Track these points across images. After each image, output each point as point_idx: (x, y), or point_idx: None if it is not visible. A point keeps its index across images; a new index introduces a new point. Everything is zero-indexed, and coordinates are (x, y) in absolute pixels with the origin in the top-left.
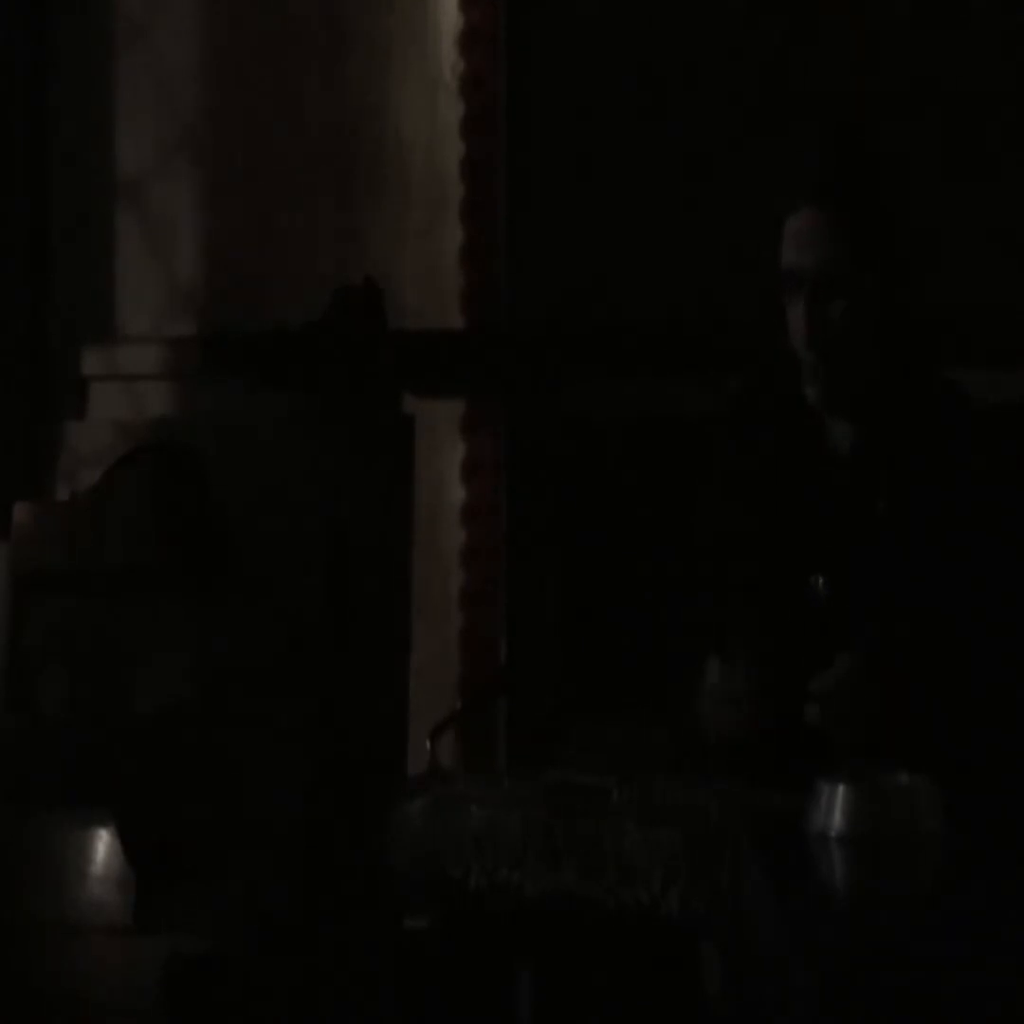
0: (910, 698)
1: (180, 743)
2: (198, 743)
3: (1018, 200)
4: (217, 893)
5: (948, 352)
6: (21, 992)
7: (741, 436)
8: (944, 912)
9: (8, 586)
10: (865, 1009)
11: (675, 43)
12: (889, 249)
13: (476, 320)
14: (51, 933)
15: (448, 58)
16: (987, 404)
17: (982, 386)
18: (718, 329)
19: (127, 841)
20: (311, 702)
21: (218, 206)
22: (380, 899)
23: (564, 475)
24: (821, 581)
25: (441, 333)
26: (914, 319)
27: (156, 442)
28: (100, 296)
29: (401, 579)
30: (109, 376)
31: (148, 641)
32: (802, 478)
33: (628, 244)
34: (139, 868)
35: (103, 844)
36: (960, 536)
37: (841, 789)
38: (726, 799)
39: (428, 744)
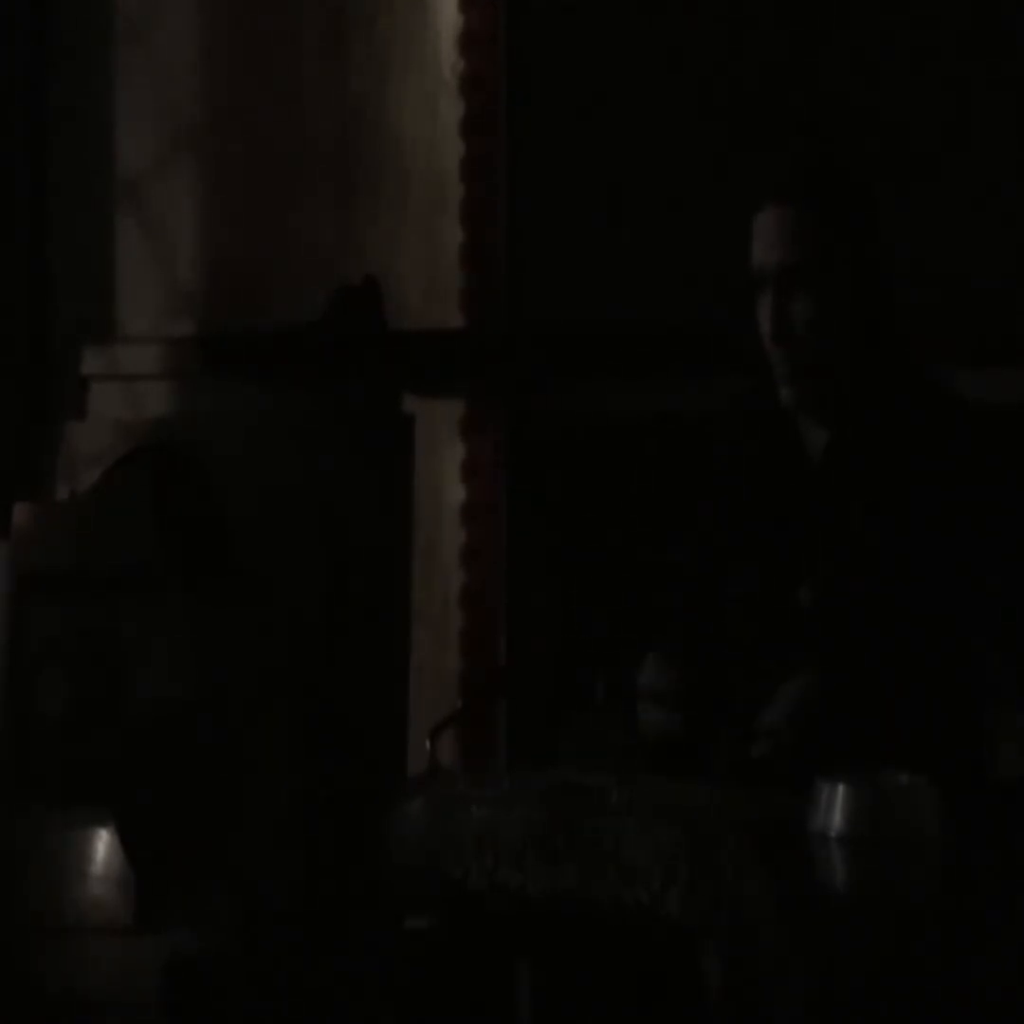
0: (881, 703)
1: (180, 742)
2: (198, 743)
3: (1018, 197)
4: (217, 893)
5: (945, 351)
6: (21, 992)
7: (722, 448)
8: (943, 912)
9: (8, 586)
10: (864, 1009)
11: (675, 43)
12: (855, 246)
13: (476, 320)
14: (51, 933)
15: (448, 58)
16: (980, 403)
17: (981, 386)
18: (718, 329)
19: (127, 841)
20: (310, 702)
21: (218, 206)
22: (380, 899)
23: (564, 475)
24: (803, 589)
25: (441, 333)
26: (888, 317)
27: (156, 442)
28: (100, 296)
29: (401, 579)
30: (109, 376)
31: (148, 641)
32: (780, 485)
33: (628, 244)
34: (139, 868)
35: (103, 844)
36: (937, 537)
37: (841, 789)
38: (726, 799)
39: (428, 744)
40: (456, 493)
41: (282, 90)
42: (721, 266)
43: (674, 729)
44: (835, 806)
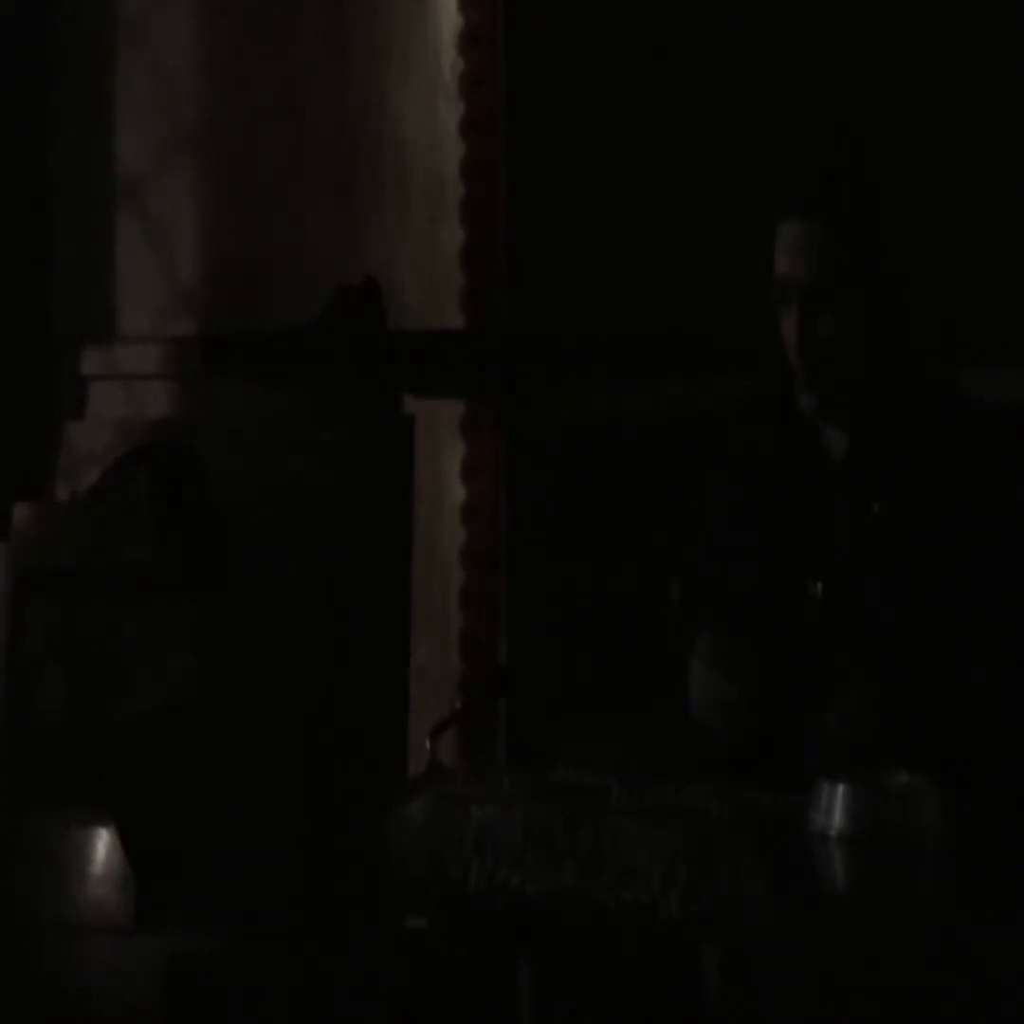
0: (901, 704)
1: (180, 743)
2: (198, 743)
3: (1019, 197)
4: (217, 893)
5: (948, 352)
6: (21, 992)
7: (739, 444)
8: (943, 912)
9: (8, 586)
10: (865, 1009)
11: (675, 43)
12: (880, 260)
13: (476, 320)
14: (51, 933)
15: (448, 58)
16: (988, 403)
17: (982, 386)
18: (718, 329)
19: (127, 841)
20: (310, 702)
21: (218, 206)
22: (380, 899)
23: (564, 475)
24: (818, 586)
25: (441, 333)
26: (908, 325)
27: (156, 442)
28: (100, 296)
29: (401, 579)
30: (109, 376)
31: (148, 641)
32: (798, 484)
33: (628, 244)
34: (139, 868)
35: (103, 844)
36: (956, 536)
37: (841, 789)
38: (726, 799)
39: (428, 744)
40: (456, 493)
41: (282, 90)
42: (722, 265)
43: (731, 698)
44: (835, 806)
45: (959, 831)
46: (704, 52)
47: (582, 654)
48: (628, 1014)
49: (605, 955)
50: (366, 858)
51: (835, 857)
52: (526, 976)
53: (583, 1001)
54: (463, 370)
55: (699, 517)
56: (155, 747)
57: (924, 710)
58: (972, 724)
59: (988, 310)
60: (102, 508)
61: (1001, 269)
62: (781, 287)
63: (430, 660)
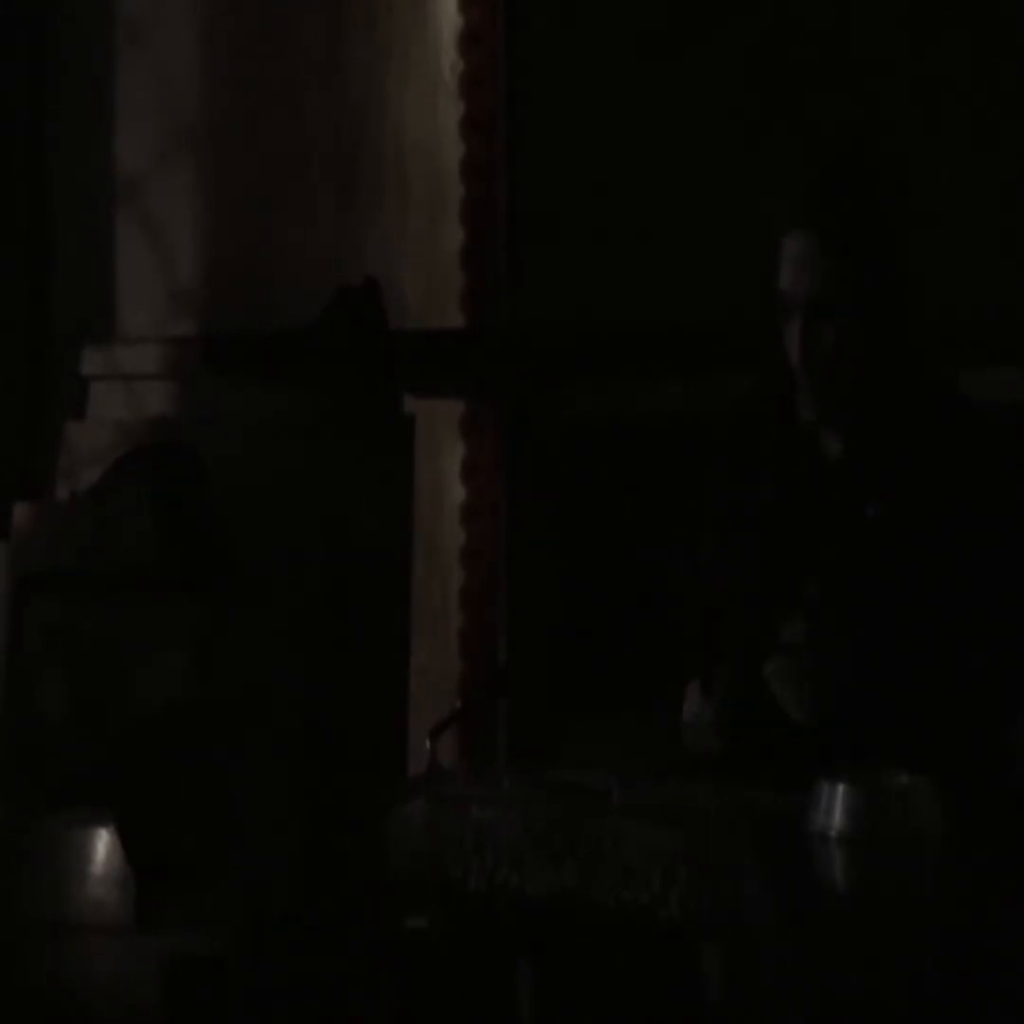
0: (901, 704)
1: (179, 743)
2: (197, 743)
3: (1020, 197)
4: (217, 893)
5: (948, 352)
6: (20, 992)
7: (738, 444)
8: (943, 912)
9: (8, 586)
10: (865, 1009)
11: (675, 43)
12: (884, 275)
13: (476, 320)
14: (51, 933)
15: (448, 58)
16: (986, 403)
17: (982, 386)
18: (718, 329)
19: (127, 841)
20: (310, 702)
21: (218, 206)
22: (380, 899)
23: (564, 475)
24: (815, 588)
25: (441, 333)
26: (908, 329)
27: (156, 442)
28: (100, 296)
29: (401, 579)
30: (109, 376)
31: (148, 641)
32: (797, 485)
33: (628, 244)
34: (139, 868)
35: (103, 844)
36: (956, 537)
37: (841, 789)
38: (726, 799)
39: (428, 744)
40: (456, 493)
41: (282, 90)
42: (722, 266)
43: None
44: (835, 806)
45: (959, 831)
46: (704, 52)
47: (582, 654)
48: (628, 1014)
49: (605, 955)
50: (366, 858)
51: (835, 857)
52: (526, 976)
53: (583, 1001)
54: (463, 370)
55: (698, 517)
56: (155, 747)
57: (924, 710)
58: (971, 724)
59: (988, 310)
60: (102, 508)
61: (1001, 269)
62: (784, 300)
63: (430, 660)
